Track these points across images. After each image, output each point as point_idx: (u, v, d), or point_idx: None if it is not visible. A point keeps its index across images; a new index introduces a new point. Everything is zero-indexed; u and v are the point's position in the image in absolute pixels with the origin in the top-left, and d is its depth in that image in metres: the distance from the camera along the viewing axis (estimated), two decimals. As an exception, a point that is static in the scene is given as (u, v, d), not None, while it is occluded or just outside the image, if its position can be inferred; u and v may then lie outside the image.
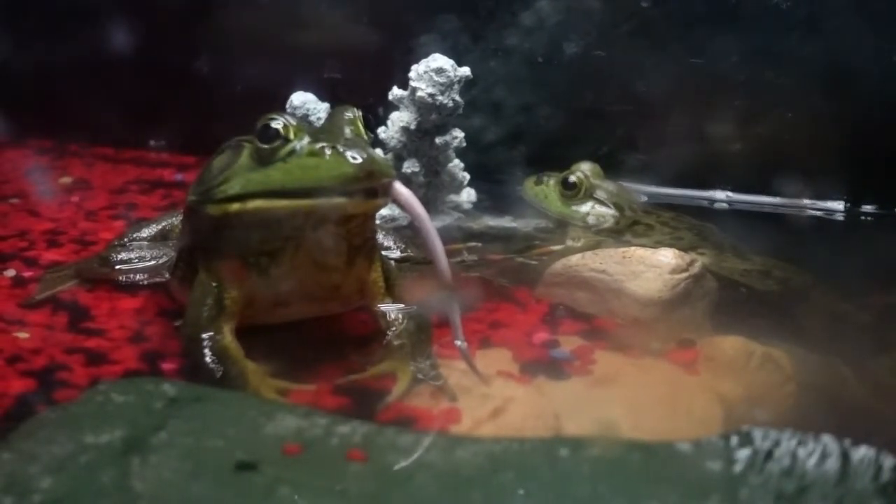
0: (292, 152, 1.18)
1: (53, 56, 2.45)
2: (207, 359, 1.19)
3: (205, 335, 1.22)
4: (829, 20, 2.09)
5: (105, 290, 1.56)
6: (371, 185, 1.15)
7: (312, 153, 1.16)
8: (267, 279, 1.25)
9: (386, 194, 1.19)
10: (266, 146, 1.19)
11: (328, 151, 1.15)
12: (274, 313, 1.31)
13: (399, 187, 1.20)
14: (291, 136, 1.18)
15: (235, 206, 1.20)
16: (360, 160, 1.13)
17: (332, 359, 1.30)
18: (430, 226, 1.20)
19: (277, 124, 1.18)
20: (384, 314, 1.33)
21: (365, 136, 1.23)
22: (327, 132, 1.21)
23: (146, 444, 0.94)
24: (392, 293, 1.35)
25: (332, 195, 1.15)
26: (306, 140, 1.18)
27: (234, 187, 1.21)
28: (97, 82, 2.47)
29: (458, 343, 1.22)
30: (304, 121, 1.25)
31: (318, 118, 2.02)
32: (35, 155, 2.54)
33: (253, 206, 1.18)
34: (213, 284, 1.26)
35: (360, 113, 1.26)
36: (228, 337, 1.23)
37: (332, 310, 1.37)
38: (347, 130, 1.21)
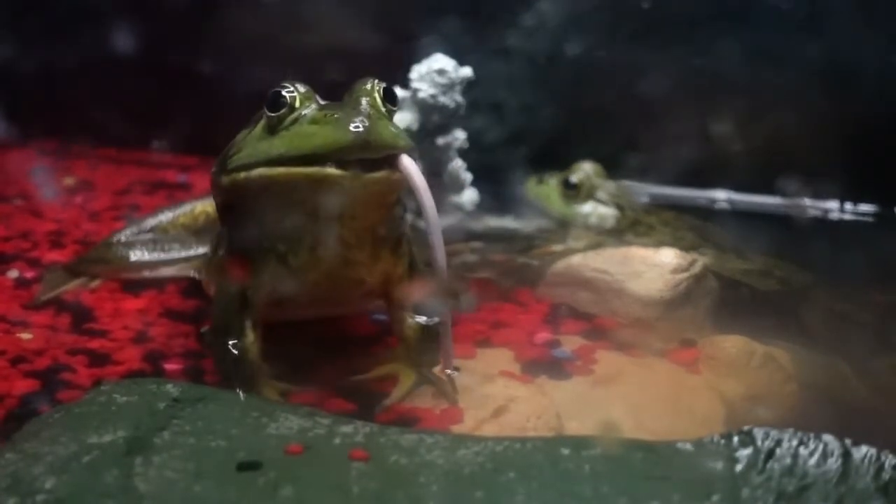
0: (297, 120, 1.15)
1: (56, 57, 2.45)
2: (226, 355, 1.19)
3: (228, 329, 1.21)
4: (829, 20, 2.09)
5: (108, 290, 1.57)
6: (367, 155, 1.08)
7: (314, 121, 1.13)
8: (287, 270, 1.20)
9: (392, 168, 1.11)
10: (274, 115, 1.16)
11: (329, 119, 1.11)
12: (296, 310, 1.29)
13: (406, 160, 1.12)
14: (298, 104, 1.15)
15: (242, 175, 1.15)
16: (360, 129, 1.07)
17: (336, 360, 1.31)
18: (434, 214, 1.12)
19: (286, 92, 1.16)
20: (394, 314, 1.30)
21: (381, 108, 1.18)
22: (342, 103, 1.17)
23: (149, 445, 0.94)
24: (413, 291, 1.29)
25: (326, 164, 1.08)
26: (313, 108, 1.15)
27: (243, 157, 1.17)
28: (100, 83, 2.46)
29: (448, 371, 1.22)
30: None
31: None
32: (38, 156, 2.53)
33: (257, 173, 1.13)
34: (238, 279, 1.23)
35: (382, 85, 1.21)
36: (251, 337, 1.22)
37: (354, 305, 1.35)
38: (363, 101, 1.15)
